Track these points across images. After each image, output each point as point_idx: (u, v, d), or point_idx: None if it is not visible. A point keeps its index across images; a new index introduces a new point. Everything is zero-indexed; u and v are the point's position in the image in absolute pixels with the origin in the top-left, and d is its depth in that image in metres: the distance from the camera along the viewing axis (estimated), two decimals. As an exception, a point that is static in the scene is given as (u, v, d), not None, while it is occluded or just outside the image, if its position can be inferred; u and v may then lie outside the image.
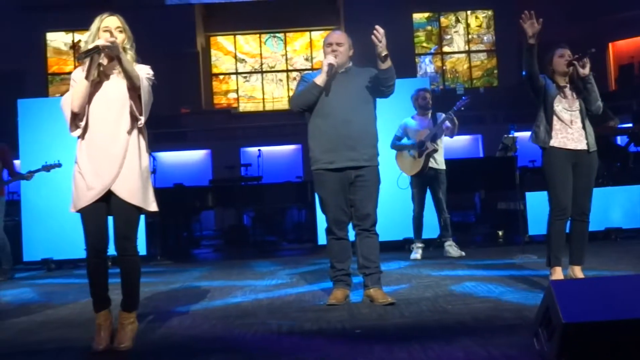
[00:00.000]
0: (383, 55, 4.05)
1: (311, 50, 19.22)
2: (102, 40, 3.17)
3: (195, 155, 16.55)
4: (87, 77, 3.21)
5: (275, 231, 11.04)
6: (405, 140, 6.93)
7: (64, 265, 7.99)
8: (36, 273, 7.64)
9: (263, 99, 19.18)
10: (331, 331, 3.45)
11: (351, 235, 4.35)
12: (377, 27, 3.99)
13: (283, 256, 8.39)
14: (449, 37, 18.96)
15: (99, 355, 3.17)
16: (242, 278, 6.06)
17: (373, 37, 3.97)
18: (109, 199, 3.26)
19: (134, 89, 3.25)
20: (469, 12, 18.88)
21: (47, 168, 7.07)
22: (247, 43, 19.40)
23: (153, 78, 3.37)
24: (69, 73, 17.94)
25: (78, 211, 3.28)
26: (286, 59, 19.33)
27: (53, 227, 7.94)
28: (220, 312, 4.20)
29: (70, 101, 3.25)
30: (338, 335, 3.35)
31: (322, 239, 8.08)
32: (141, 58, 3.41)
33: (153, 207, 3.38)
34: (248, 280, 5.88)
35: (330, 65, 4.16)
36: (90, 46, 3.18)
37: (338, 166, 4.20)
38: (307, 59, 19.27)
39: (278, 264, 7.14)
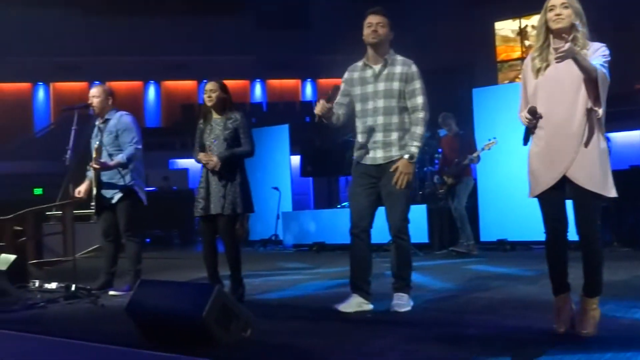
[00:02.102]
0: None
1: None
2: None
3: (655, 135, 15.15)
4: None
5: None
6: None
7: (518, 247, 8.25)
8: (492, 253, 8.06)
9: None
10: None
11: None
12: None
13: None
14: None
15: (559, 338, 3.18)
16: None
17: None
18: (565, 184, 3.22)
19: (589, 80, 3.10)
20: None
21: (487, 146, 7.50)
22: None
23: (609, 58, 3.16)
24: (517, 59, 18.41)
25: (535, 197, 3.34)
26: None
27: (508, 209, 8.28)
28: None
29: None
30: None
31: None
32: (588, 32, 3.21)
33: (612, 193, 3.19)
34: None
35: None
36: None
37: None
38: None
39: None
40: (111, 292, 5.28)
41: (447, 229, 8.56)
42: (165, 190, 13.91)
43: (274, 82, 23.06)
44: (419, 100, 4.05)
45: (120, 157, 5.32)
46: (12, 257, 6.02)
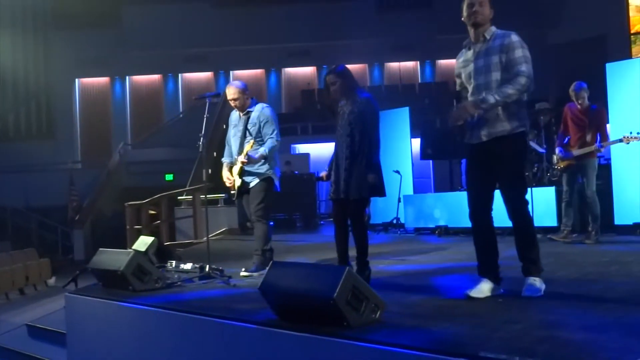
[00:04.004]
0: None
1: None
2: None
3: None
4: None
5: None
6: None
7: (655, 230, 7.75)
8: (628, 237, 7.62)
9: None
10: None
11: None
12: None
13: None
14: None
15: None
16: None
17: None
18: None
19: None
20: None
21: (626, 139, 7.00)
22: None
23: None
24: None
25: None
26: None
27: (644, 191, 7.78)
28: None
29: None
30: None
31: None
32: None
33: None
34: None
35: None
36: None
37: None
38: None
39: None
40: (242, 273, 5.49)
41: (577, 212, 8.14)
42: (288, 174, 14.24)
43: (393, 65, 22.87)
44: (522, 67, 3.80)
45: (262, 150, 5.57)
46: (151, 238, 6.41)
